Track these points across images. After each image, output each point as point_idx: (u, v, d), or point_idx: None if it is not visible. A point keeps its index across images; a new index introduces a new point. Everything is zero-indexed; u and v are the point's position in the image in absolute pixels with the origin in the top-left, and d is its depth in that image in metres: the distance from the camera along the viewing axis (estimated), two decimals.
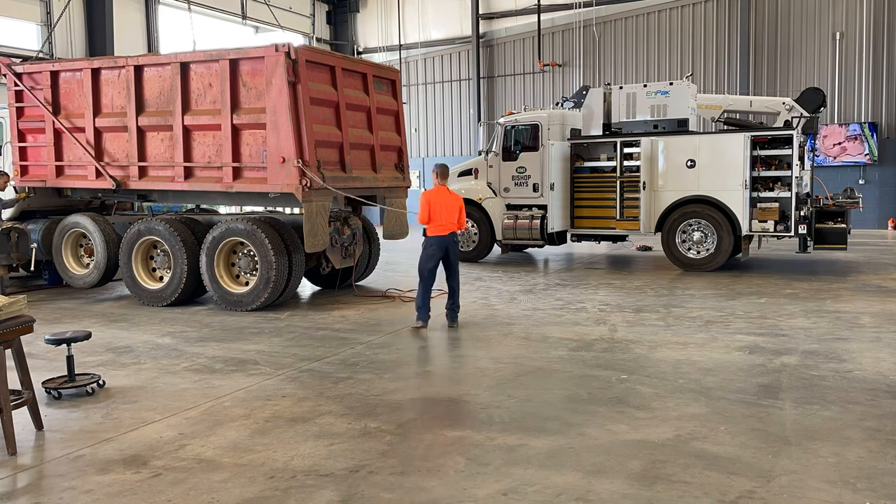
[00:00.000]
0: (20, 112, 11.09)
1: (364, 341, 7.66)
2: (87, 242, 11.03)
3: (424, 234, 8.32)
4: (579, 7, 23.21)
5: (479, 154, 15.16)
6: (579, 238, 14.14)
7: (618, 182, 13.11)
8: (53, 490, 4.12)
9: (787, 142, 11.91)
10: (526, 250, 15.95)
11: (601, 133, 13.55)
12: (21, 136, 11.19)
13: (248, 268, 9.68)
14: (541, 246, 14.40)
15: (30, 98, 10.89)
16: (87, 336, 6.23)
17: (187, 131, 9.80)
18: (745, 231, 12.16)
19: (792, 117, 12.59)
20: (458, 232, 8.44)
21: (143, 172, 10.24)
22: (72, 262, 11.21)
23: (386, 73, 11.19)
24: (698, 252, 12.61)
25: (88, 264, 11.10)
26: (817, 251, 12.78)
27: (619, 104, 13.32)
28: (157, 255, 10.32)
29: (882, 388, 5.60)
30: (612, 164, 13.20)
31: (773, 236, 12.53)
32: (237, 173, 9.57)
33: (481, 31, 25.30)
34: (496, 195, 14.32)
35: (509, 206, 14.22)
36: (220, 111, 9.49)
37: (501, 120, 14.42)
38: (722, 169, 12.25)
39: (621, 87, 13.49)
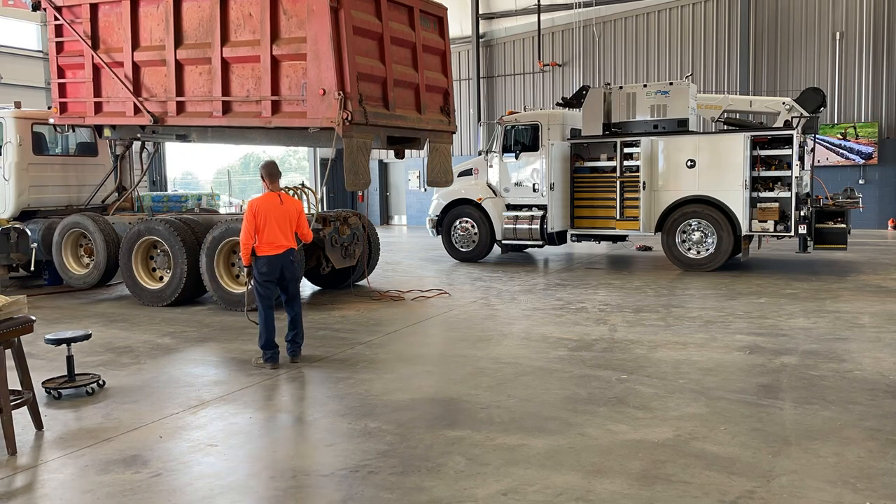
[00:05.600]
0: (59, 47, 10.88)
1: (364, 341, 7.66)
2: (87, 242, 11.04)
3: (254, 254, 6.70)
4: (579, 7, 23.19)
5: (480, 154, 15.17)
6: (579, 238, 14.13)
7: (618, 182, 13.09)
8: (53, 490, 4.12)
9: (787, 142, 11.90)
10: (526, 250, 15.95)
11: (601, 133, 13.56)
12: (60, 72, 10.98)
13: None
14: (541, 246, 14.39)
15: (69, 32, 10.65)
16: (87, 336, 6.23)
17: (226, 64, 9.52)
18: (744, 231, 12.15)
19: (792, 117, 12.58)
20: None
21: (180, 108, 10.00)
22: (72, 262, 11.21)
23: (433, 10, 10.71)
24: (698, 252, 12.60)
25: (88, 264, 11.10)
26: (817, 251, 12.77)
27: (619, 104, 13.32)
28: (157, 255, 10.31)
29: (882, 388, 5.60)
30: (612, 164, 13.18)
31: (773, 236, 12.53)
32: (276, 107, 9.25)
33: (481, 30, 25.28)
34: (496, 195, 14.33)
35: (509, 206, 14.24)
36: (260, 42, 9.17)
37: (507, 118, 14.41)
38: (722, 169, 12.24)
39: (621, 87, 13.49)
